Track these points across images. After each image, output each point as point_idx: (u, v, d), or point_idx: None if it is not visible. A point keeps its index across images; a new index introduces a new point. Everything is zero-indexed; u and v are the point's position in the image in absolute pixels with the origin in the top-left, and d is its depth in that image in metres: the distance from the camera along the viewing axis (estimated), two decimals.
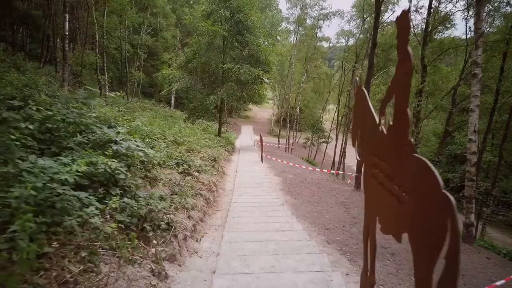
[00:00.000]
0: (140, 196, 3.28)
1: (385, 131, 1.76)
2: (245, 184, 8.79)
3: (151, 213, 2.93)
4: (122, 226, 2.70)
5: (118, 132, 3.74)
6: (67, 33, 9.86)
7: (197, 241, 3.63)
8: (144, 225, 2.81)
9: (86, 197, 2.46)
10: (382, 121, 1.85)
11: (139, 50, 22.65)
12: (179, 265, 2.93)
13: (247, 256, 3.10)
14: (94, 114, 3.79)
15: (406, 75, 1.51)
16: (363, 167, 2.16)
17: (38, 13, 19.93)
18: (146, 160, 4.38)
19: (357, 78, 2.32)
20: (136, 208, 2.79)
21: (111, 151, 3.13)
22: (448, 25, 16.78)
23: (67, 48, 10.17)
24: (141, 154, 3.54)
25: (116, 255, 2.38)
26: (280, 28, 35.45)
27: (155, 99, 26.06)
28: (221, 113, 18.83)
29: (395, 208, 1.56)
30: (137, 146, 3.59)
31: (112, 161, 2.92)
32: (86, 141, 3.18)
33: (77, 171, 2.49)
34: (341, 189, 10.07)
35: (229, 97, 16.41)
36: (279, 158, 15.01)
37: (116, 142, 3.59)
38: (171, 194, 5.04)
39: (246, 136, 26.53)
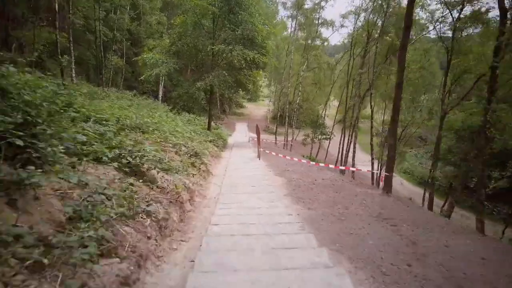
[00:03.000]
0: None
1: None
2: (236, 188, 6.14)
3: None
4: None
5: None
6: None
7: None
8: None
9: None
10: None
11: (115, 31, 19.62)
12: None
13: None
14: None
15: None
16: None
17: None
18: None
19: None
20: None
21: None
22: None
23: None
24: None
25: None
26: (275, 21, 32.82)
27: (139, 91, 23.10)
28: (210, 104, 16.27)
29: None
30: None
31: None
32: None
33: None
34: (366, 193, 7.45)
35: (220, 84, 13.74)
36: (279, 153, 12.39)
37: None
38: (68, 219, 2.37)
39: (240, 133, 25.22)
